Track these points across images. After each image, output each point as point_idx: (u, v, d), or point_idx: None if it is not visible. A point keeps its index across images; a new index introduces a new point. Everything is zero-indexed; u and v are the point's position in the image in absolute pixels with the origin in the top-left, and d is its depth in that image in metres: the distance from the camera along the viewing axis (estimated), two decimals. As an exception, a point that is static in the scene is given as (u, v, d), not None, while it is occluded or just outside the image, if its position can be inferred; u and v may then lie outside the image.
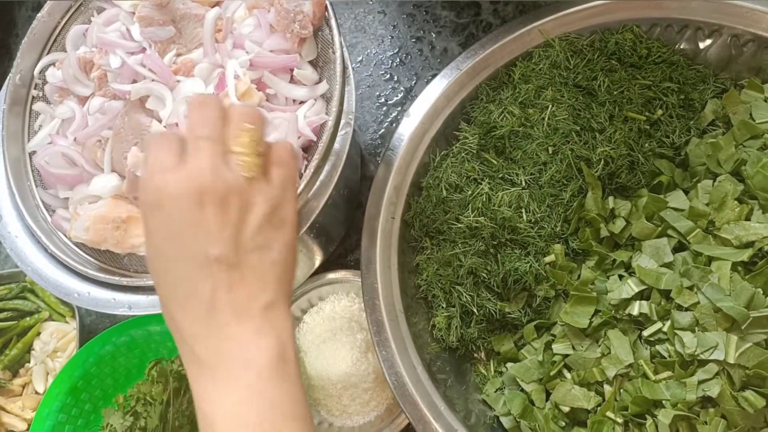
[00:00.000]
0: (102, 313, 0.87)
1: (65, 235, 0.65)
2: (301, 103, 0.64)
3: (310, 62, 0.66)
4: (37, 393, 0.83)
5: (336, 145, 0.62)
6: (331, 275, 0.79)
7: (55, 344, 0.85)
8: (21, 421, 0.83)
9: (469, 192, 0.70)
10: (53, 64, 0.69)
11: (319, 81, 0.65)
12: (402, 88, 0.88)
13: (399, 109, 0.87)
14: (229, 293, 0.44)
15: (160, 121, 0.61)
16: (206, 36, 0.63)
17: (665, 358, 0.62)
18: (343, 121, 0.63)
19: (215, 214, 0.44)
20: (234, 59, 0.62)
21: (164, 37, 0.64)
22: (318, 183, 0.62)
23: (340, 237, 0.82)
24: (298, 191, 0.59)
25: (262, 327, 0.45)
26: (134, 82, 0.63)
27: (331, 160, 0.62)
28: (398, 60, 0.90)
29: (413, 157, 0.72)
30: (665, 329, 0.63)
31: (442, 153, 0.73)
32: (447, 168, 0.72)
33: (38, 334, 0.86)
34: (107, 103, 0.64)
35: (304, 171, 0.60)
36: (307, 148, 0.63)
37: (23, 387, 0.85)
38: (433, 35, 0.90)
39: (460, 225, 0.69)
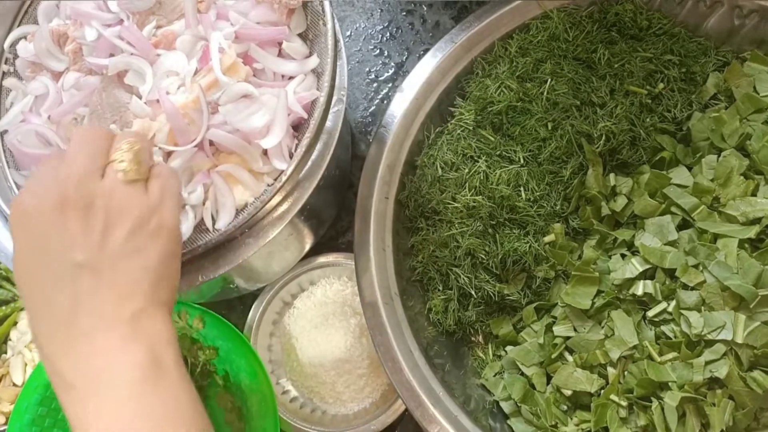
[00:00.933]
0: (83, 302, 0.83)
1: None
2: (291, 78, 0.61)
3: (300, 35, 0.62)
4: (15, 385, 0.80)
5: (328, 123, 0.59)
6: (322, 259, 0.77)
7: (33, 334, 0.82)
8: (-1, 415, 0.79)
9: (466, 170, 0.67)
10: (24, 37, 0.65)
11: (309, 55, 0.61)
12: (393, 64, 0.85)
13: (390, 85, 0.84)
14: (92, 300, 0.42)
15: (140, 97, 0.58)
16: (188, 6, 0.59)
17: (671, 338, 0.60)
18: (335, 98, 0.60)
19: (78, 220, 0.43)
20: (218, 31, 0.58)
21: (143, 7, 0.60)
22: (309, 163, 0.59)
23: (331, 219, 0.79)
24: (288, 173, 0.56)
25: (129, 334, 0.42)
26: (111, 55, 0.59)
27: (322, 138, 0.59)
28: (388, 34, 0.87)
29: (407, 135, 0.69)
30: (670, 309, 0.61)
31: (437, 130, 0.71)
32: (442, 145, 0.69)
33: (15, 323, 0.82)
34: (83, 79, 0.60)
35: (295, 150, 0.57)
36: (298, 126, 0.60)
37: (0, 379, 0.81)
38: (425, 8, 0.86)
39: (456, 204, 0.67)
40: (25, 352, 0.81)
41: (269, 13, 0.60)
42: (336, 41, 0.59)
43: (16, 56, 0.65)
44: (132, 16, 0.60)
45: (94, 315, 0.42)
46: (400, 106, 0.69)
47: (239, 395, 0.72)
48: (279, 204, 0.58)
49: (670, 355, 0.60)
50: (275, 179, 0.58)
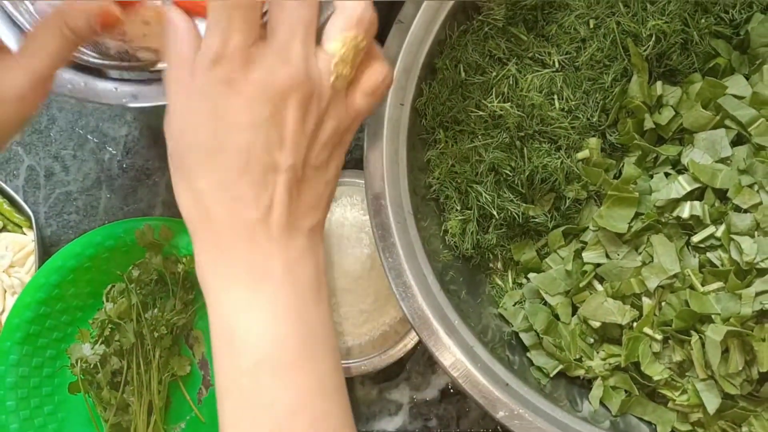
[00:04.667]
0: (64, 223, 0.76)
1: None
2: None
3: None
4: (-7, 313, 0.74)
5: None
6: (348, 174, 0.69)
7: (11, 258, 0.74)
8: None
9: (493, 74, 0.59)
10: None
11: None
12: (409, -42, 0.75)
13: (405, -17, 0.75)
14: (285, 209, 0.39)
15: None
16: None
17: (717, 266, 0.54)
18: None
19: (296, 117, 0.38)
20: None
21: None
22: None
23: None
24: None
25: (306, 248, 0.41)
26: None
27: None
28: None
29: (426, 33, 0.61)
30: (719, 234, 0.54)
31: (461, 28, 0.62)
32: (467, 46, 0.61)
33: None
34: None
35: None
36: None
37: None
38: None
39: (481, 113, 0.59)
40: (3, 277, 0.74)
41: None
42: None
43: None
44: None
45: (282, 224, 0.39)
46: (419, -1, 0.61)
47: None
48: None
49: (715, 285, 0.54)
50: None
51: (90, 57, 0.54)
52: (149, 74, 0.53)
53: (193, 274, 0.68)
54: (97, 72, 0.53)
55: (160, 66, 0.52)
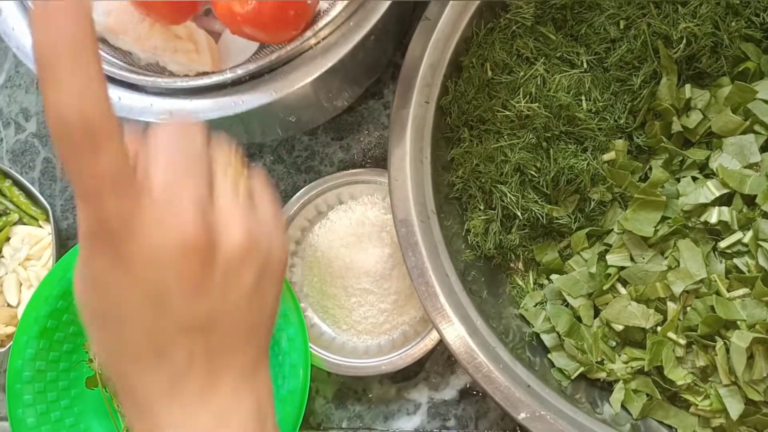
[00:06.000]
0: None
1: None
2: None
3: None
4: (9, 305, 0.73)
5: None
6: (369, 172, 0.68)
7: (27, 251, 0.73)
8: (-7, 336, 0.73)
9: (521, 73, 0.58)
10: None
11: None
12: (432, -48, 0.74)
13: (428, -23, 0.74)
14: (209, 354, 0.35)
15: None
16: None
17: (743, 273, 0.54)
18: None
19: (200, 262, 0.34)
20: None
21: None
22: None
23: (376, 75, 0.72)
24: None
25: (240, 391, 0.37)
26: None
27: None
28: None
29: (453, 30, 0.60)
30: (746, 240, 0.54)
31: (488, 26, 0.61)
32: (494, 44, 0.60)
33: (7, 239, 0.75)
34: None
35: None
36: None
37: (-7, 298, 0.74)
38: None
39: (507, 113, 0.58)
40: (19, 270, 0.74)
41: None
42: None
43: None
44: None
45: (206, 375, 0.35)
46: (446, -5, 0.60)
47: None
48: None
49: (741, 291, 0.54)
50: None
51: (121, 70, 0.53)
52: (183, 85, 0.52)
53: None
54: (130, 86, 0.52)
55: (192, 83, 0.51)
